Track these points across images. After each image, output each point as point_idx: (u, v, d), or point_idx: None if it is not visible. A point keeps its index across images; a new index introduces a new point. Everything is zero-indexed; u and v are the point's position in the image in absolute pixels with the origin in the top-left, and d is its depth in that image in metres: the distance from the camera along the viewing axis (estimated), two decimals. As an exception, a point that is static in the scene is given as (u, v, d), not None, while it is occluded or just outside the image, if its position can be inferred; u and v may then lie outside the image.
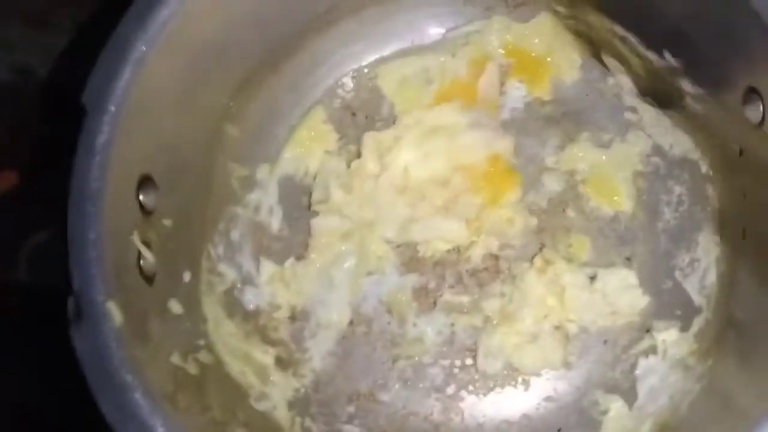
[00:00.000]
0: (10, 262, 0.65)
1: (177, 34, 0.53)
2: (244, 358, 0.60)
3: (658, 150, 0.63)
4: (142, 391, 0.44)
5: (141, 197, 0.52)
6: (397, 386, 0.62)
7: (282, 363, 0.62)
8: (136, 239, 0.51)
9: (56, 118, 0.50)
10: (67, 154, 0.49)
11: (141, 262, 0.51)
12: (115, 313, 0.46)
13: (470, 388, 0.62)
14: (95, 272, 0.46)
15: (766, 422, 0.42)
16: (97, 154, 0.48)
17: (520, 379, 0.61)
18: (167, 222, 0.56)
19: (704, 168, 0.60)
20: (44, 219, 0.62)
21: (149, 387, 0.45)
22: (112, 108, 0.49)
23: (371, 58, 0.69)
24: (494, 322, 0.62)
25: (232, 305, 0.63)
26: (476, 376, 0.62)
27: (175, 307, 0.55)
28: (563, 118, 0.66)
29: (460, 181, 0.64)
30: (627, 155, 0.64)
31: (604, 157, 0.65)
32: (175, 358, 0.51)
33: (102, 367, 0.44)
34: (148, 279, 0.52)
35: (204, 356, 0.56)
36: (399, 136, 0.65)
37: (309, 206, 0.66)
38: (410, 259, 0.65)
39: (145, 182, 0.53)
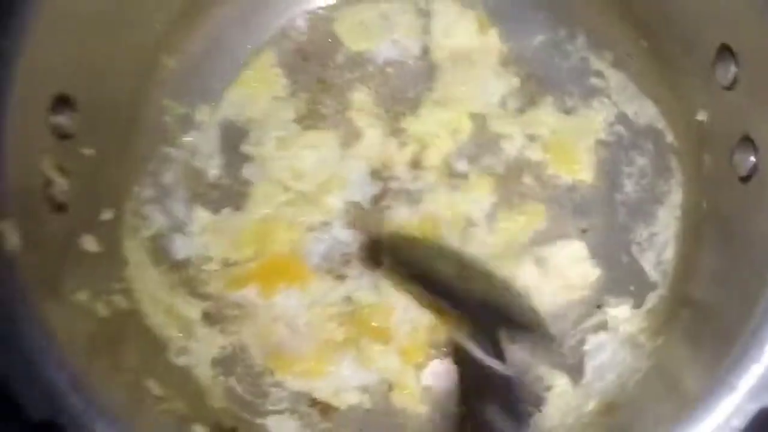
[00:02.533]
0: None
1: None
2: (166, 309, 0.55)
3: (622, 118, 0.61)
4: (32, 323, 0.39)
5: (56, 118, 0.47)
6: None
7: (209, 319, 0.57)
8: (45, 162, 0.46)
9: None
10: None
11: (51, 187, 0.46)
12: (10, 234, 0.40)
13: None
14: (-9, 190, 0.41)
15: (709, 404, 0.39)
16: (2, 61, 0.43)
17: (463, 350, 0.58)
18: (88, 151, 0.51)
19: (669, 138, 0.58)
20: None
21: (42, 319, 0.40)
22: (23, 11, 0.44)
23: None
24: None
25: (159, 252, 0.58)
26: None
27: (90, 243, 0.50)
28: (527, 79, 0.63)
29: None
30: (590, 122, 0.61)
31: (566, 123, 0.61)
32: (82, 296, 0.46)
33: (-12, 294, 0.39)
34: (58, 207, 0.46)
35: (118, 300, 0.51)
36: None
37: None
38: (357, 217, 0.61)
39: (62, 103, 0.48)
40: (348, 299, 0.58)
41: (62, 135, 0.48)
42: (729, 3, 0.46)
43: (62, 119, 0.48)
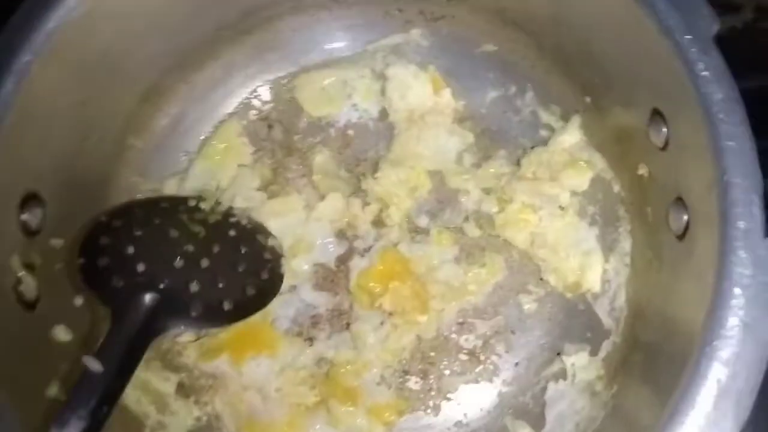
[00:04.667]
0: None
1: (67, 43, 0.51)
2: (141, 386, 0.57)
3: (572, 169, 0.63)
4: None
5: (24, 216, 0.49)
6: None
7: (183, 390, 0.59)
8: (15, 261, 0.48)
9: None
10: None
11: (20, 286, 0.48)
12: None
13: (381, 412, 0.60)
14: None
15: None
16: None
17: (431, 404, 0.60)
18: (56, 242, 0.52)
19: (617, 188, 0.60)
20: None
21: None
22: (-3, 110, 0.46)
23: (289, 69, 0.67)
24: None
25: (133, 330, 0.59)
26: (388, 400, 0.60)
27: (62, 333, 0.51)
28: (481, 134, 0.65)
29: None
30: (541, 173, 0.63)
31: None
32: (53, 391, 0.48)
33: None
34: (29, 305, 0.49)
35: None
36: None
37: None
38: (324, 278, 0.63)
39: (30, 200, 0.50)
40: (318, 361, 0.60)
41: (30, 231, 0.50)
42: (655, 71, 0.48)
43: (30, 216, 0.50)
